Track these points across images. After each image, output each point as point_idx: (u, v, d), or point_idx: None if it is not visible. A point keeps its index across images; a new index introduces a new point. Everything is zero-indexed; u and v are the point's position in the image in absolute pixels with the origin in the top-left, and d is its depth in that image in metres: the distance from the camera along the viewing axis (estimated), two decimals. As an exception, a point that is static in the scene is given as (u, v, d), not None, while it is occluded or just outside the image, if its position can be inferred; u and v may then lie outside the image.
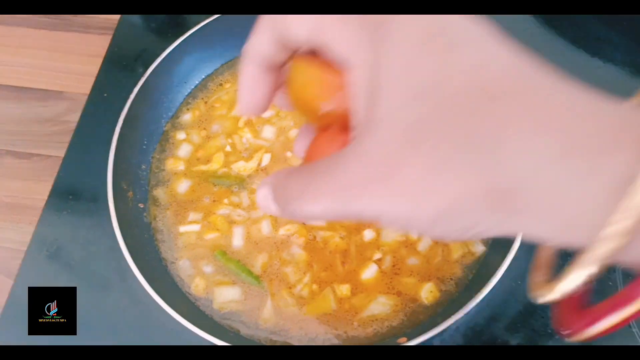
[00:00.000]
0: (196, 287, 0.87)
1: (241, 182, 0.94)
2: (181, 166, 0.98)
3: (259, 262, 0.88)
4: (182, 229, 0.91)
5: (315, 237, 0.89)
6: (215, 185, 0.94)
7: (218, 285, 0.87)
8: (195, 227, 0.91)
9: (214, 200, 0.94)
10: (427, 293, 0.84)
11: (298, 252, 0.88)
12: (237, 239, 0.90)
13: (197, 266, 0.89)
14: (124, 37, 1.17)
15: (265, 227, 0.90)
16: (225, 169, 0.96)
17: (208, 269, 0.89)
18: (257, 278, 0.86)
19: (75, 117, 1.07)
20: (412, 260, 0.87)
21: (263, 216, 0.91)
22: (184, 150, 0.99)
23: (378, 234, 0.88)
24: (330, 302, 0.84)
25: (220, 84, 1.06)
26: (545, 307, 0.87)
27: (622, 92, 1.02)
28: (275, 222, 0.90)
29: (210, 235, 0.91)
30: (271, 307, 0.85)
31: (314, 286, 0.85)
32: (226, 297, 0.86)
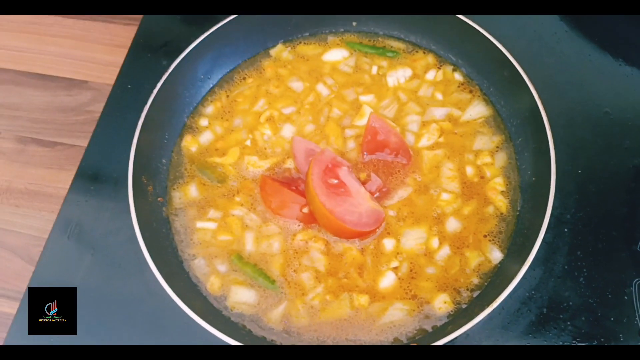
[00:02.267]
0: (212, 285, 0.88)
1: (223, 179, 0.95)
2: (194, 147, 0.99)
3: (275, 265, 0.89)
4: (200, 224, 0.92)
5: (332, 246, 0.90)
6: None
7: (235, 284, 0.88)
8: (212, 225, 0.92)
9: (228, 198, 0.95)
10: (441, 303, 0.85)
11: (318, 256, 0.89)
12: (249, 245, 0.91)
13: (212, 264, 0.90)
14: (149, 29, 1.18)
15: (276, 232, 0.91)
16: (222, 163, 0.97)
17: (223, 267, 0.90)
18: (273, 282, 0.87)
19: (99, 108, 1.09)
20: (431, 270, 0.87)
21: (273, 222, 0.92)
22: (205, 138, 1.01)
23: (398, 241, 0.89)
24: (346, 308, 0.85)
25: (244, 79, 1.06)
26: (558, 319, 0.88)
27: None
28: (287, 229, 0.91)
29: (224, 237, 0.92)
30: (285, 311, 0.86)
31: (328, 297, 0.86)
32: (241, 297, 0.87)
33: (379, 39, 1.09)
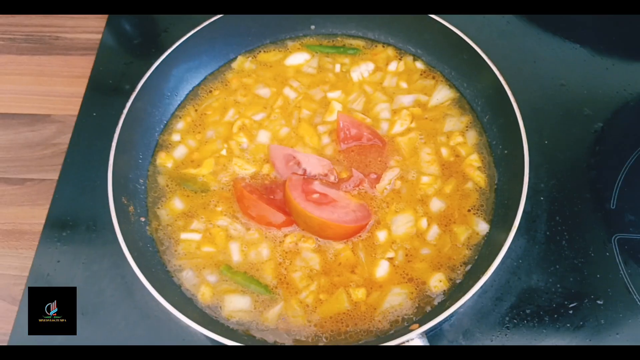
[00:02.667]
0: (203, 295, 0.87)
1: (206, 189, 0.96)
2: (169, 163, 0.99)
3: (267, 271, 0.89)
4: (184, 236, 0.92)
5: (322, 244, 0.90)
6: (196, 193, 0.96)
7: (227, 293, 0.88)
8: (196, 236, 0.92)
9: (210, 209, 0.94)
10: (437, 282, 0.86)
11: (310, 255, 0.89)
12: (236, 255, 0.91)
13: (201, 275, 0.89)
14: (107, 56, 1.18)
15: (262, 239, 0.91)
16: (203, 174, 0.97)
17: (212, 278, 0.89)
18: (266, 288, 0.87)
19: (65, 139, 1.07)
20: (425, 251, 0.89)
21: (257, 230, 0.92)
22: (180, 152, 1.00)
23: (389, 230, 0.90)
24: (344, 302, 0.85)
25: (210, 92, 1.07)
26: (548, 283, 0.90)
27: (596, 71, 1.06)
28: (273, 235, 0.92)
29: (207, 249, 0.91)
30: (281, 311, 0.86)
31: (321, 295, 0.86)
32: (236, 305, 0.87)
33: (338, 38, 1.11)
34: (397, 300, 0.85)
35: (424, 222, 0.90)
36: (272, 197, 0.93)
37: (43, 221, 0.99)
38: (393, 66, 1.06)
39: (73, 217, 0.99)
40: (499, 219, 0.89)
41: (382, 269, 0.87)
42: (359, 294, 0.86)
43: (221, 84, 1.08)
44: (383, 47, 1.09)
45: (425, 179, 0.94)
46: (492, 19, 1.17)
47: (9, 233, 1.02)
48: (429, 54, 1.06)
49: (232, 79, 1.08)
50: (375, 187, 0.93)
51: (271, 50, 1.11)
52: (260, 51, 1.11)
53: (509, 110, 0.90)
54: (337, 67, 1.07)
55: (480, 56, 0.95)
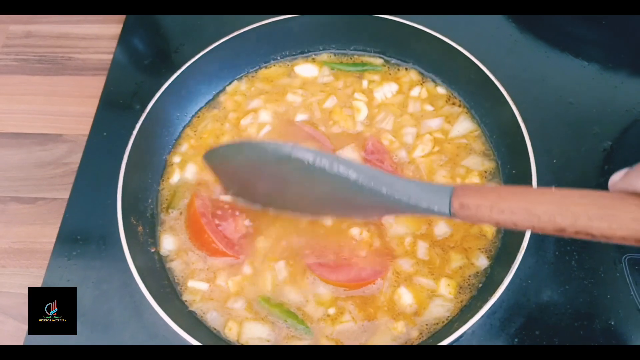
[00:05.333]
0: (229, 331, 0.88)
1: None
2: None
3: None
4: (191, 284, 0.92)
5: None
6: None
7: (246, 320, 0.88)
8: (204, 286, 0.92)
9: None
10: (447, 293, 0.87)
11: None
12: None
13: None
14: (118, 76, 1.19)
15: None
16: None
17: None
18: (302, 322, 0.86)
19: (76, 158, 1.09)
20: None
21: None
22: (190, 171, 1.01)
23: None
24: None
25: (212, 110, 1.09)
26: (558, 303, 0.89)
27: (604, 89, 1.06)
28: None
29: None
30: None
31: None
32: (255, 333, 0.87)
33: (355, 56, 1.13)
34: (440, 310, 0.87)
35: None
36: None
37: (54, 240, 1.00)
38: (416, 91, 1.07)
39: (83, 236, 1.00)
40: (507, 239, 0.89)
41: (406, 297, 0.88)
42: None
43: (220, 106, 1.10)
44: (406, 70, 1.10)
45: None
46: (500, 38, 1.17)
47: (21, 252, 1.03)
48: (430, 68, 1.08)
49: (228, 100, 1.09)
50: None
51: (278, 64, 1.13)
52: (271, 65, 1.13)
53: (517, 129, 0.90)
54: (365, 83, 1.08)
55: (485, 74, 0.95)
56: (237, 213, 0.93)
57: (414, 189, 0.65)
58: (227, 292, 0.90)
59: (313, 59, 1.12)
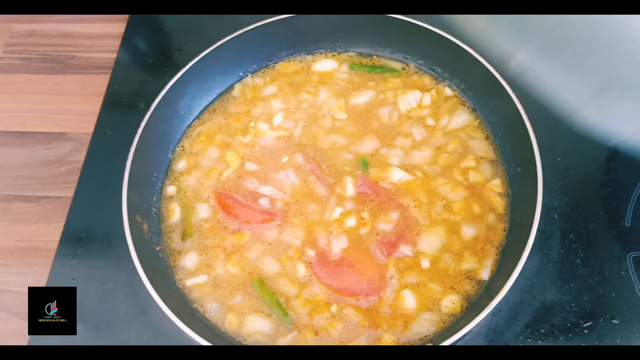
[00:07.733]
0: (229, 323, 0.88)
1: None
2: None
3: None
4: (189, 282, 0.92)
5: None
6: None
7: (249, 313, 0.88)
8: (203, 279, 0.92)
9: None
10: (450, 304, 0.86)
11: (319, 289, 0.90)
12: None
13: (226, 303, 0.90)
14: (122, 75, 1.19)
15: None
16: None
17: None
18: (286, 313, 0.87)
19: (80, 157, 1.09)
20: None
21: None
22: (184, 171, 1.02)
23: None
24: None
25: (213, 111, 1.08)
26: (562, 301, 0.89)
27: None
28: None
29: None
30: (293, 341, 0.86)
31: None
32: (256, 327, 0.87)
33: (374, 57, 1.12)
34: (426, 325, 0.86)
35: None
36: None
37: (58, 238, 1.00)
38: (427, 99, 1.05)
39: (88, 234, 1.00)
40: (513, 237, 0.89)
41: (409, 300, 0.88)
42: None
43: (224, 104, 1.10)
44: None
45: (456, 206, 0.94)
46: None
47: (25, 250, 1.03)
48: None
49: (232, 98, 1.09)
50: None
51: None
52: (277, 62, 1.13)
53: (522, 127, 0.90)
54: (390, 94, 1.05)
55: (492, 74, 0.95)
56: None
57: None
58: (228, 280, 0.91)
59: (330, 55, 1.13)
